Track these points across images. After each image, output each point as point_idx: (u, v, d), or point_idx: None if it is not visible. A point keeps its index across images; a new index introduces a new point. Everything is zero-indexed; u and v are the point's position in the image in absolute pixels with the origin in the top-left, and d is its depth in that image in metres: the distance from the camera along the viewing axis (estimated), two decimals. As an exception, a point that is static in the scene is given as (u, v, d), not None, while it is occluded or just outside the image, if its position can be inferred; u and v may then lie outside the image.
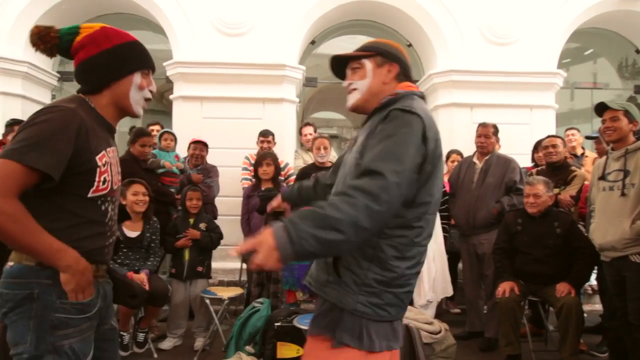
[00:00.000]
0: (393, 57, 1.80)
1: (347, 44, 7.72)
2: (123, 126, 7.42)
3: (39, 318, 1.52)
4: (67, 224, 1.57)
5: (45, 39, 1.65)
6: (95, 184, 1.61)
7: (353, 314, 1.57)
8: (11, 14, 6.17)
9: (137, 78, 1.73)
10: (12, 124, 3.96)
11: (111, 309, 1.87)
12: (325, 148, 4.78)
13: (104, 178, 1.63)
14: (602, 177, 3.26)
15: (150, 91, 1.82)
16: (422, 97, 1.80)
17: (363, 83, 1.79)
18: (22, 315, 1.53)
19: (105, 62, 1.67)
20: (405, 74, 1.82)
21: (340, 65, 1.88)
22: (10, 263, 1.56)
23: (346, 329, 1.57)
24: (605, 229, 3.17)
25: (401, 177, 1.45)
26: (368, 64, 1.79)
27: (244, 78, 6.31)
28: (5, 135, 4.00)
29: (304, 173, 4.55)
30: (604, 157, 3.37)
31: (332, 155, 6.05)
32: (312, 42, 7.36)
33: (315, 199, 1.85)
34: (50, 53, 1.70)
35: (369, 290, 1.57)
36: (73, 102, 1.62)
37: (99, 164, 1.61)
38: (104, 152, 1.64)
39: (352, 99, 1.82)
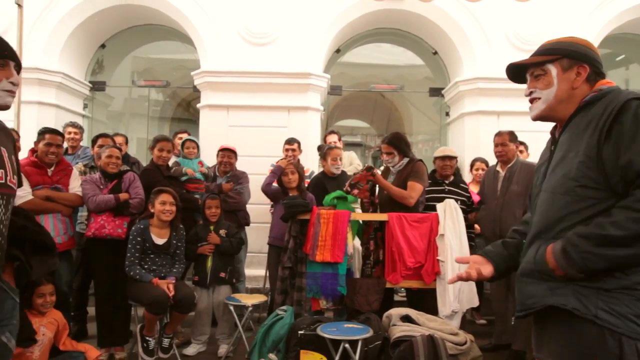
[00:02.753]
0: (582, 56, 1.61)
1: (372, 52, 7.74)
2: (150, 135, 7.57)
3: None
4: None
5: None
6: None
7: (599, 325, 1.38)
8: (47, 27, 6.37)
9: None
10: (43, 132, 4.05)
11: (9, 322, 1.76)
12: (340, 159, 4.82)
13: None
14: None
15: (13, 83, 1.75)
16: None
17: (548, 92, 1.64)
18: None
19: None
20: (597, 73, 1.62)
21: (518, 69, 1.75)
22: None
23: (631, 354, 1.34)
24: None
25: None
26: (553, 69, 1.64)
27: (269, 87, 6.37)
28: (36, 142, 4.10)
29: (314, 183, 4.57)
30: None
31: (357, 163, 6.06)
32: (337, 51, 7.38)
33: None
34: None
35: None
36: None
37: None
38: None
39: (536, 109, 1.68)
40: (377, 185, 4.35)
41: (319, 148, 4.86)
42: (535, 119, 1.71)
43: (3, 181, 1.70)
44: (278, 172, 4.52)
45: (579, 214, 1.47)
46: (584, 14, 6.42)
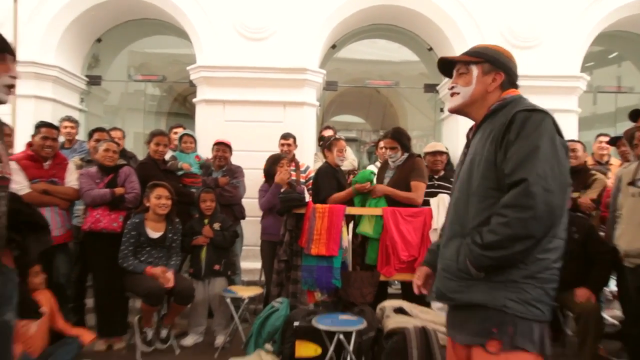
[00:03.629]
0: (501, 65, 1.79)
1: (368, 48, 7.75)
2: (146, 129, 7.57)
3: None
4: None
5: None
6: None
7: (506, 313, 1.58)
8: (43, 21, 6.34)
9: None
10: (40, 125, 4.06)
11: (8, 301, 1.82)
12: (345, 150, 4.81)
13: None
14: (632, 183, 3.20)
15: (12, 77, 1.76)
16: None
17: (466, 90, 1.81)
18: None
19: None
20: (510, 82, 1.81)
21: (447, 63, 1.90)
22: None
23: (522, 333, 1.57)
24: (632, 235, 3.12)
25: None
26: (475, 70, 1.80)
27: (265, 82, 6.37)
28: (33, 136, 4.10)
29: (324, 172, 4.56)
30: (635, 163, 3.30)
31: (352, 158, 6.09)
32: (333, 47, 7.38)
33: None
34: None
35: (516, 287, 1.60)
36: None
37: None
38: None
39: (453, 102, 1.86)
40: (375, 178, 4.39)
41: (323, 139, 4.82)
42: (452, 111, 1.90)
43: (3, 175, 1.74)
44: (277, 191, 4.46)
45: (487, 211, 1.65)
46: (577, 11, 6.44)
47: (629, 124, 3.60)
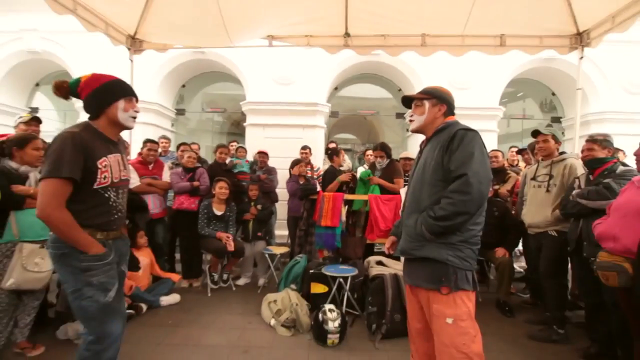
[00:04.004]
0: (443, 99, 1.76)
1: (359, 89, 7.66)
2: (213, 143, 7.57)
3: (72, 267, 1.55)
4: (82, 207, 1.56)
5: (61, 88, 1.65)
6: (98, 179, 1.58)
7: (447, 264, 1.59)
8: (148, 73, 6.35)
9: (121, 104, 1.66)
10: (146, 141, 4.08)
11: (124, 258, 1.80)
12: (344, 158, 4.85)
13: (104, 175, 1.60)
14: (534, 178, 3.13)
15: (136, 111, 1.73)
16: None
17: (420, 118, 1.78)
18: (62, 265, 1.56)
19: (96, 96, 1.64)
20: (450, 110, 1.78)
21: (408, 99, 1.86)
22: (50, 233, 1.58)
23: (461, 279, 1.59)
24: (533, 213, 3.06)
25: None
26: (427, 103, 1.77)
27: (290, 112, 6.32)
28: (141, 149, 4.11)
29: (329, 172, 4.53)
30: (536, 165, 3.23)
31: (348, 162, 6.03)
32: (336, 88, 7.31)
33: None
34: (65, 97, 1.67)
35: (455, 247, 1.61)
36: (78, 127, 1.60)
37: (100, 166, 1.58)
38: (104, 157, 1.60)
39: (413, 126, 1.83)
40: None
41: (331, 150, 4.76)
42: (412, 131, 1.86)
43: (126, 177, 1.74)
44: (297, 179, 4.55)
45: (435, 195, 1.64)
46: (496, 65, 6.28)
47: (531, 139, 3.51)
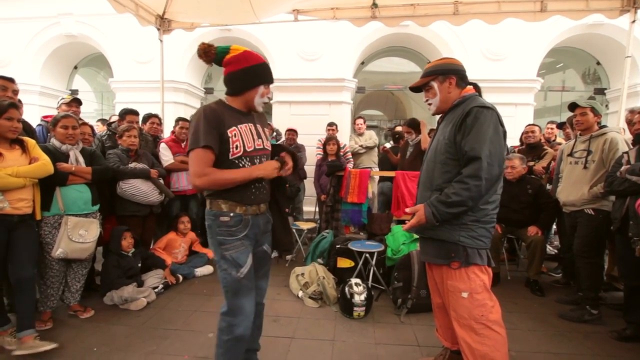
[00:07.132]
0: (449, 71, 1.67)
1: (386, 63, 7.38)
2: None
3: (214, 239, 1.60)
4: None
5: (208, 53, 1.60)
6: (231, 149, 1.53)
7: (458, 244, 1.58)
8: (177, 53, 6.41)
9: (261, 89, 1.62)
10: (178, 120, 4.14)
11: (266, 237, 1.74)
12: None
13: (236, 145, 1.54)
14: (570, 154, 2.94)
15: (269, 98, 1.70)
16: (480, 94, 1.72)
17: (435, 100, 1.72)
18: (210, 236, 1.62)
19: (243, 76, 1.58)
20: (462, 79, 1.68)
21: (416, 89, 1.80)
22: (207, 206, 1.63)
23: (472, 254, 1.59)
24: (569, 191, 2.89)
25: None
26: (434, 84, 1.70)
27: (317, 88, 6.23)
28: (174, 127, 4.18)
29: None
30: (573, 140, 3.02)
31: (375, 138, 5.91)
32: (362, 63, 7.08)
33: None
34: (208, 63, 1.62)
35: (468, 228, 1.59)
36: (215, 103, 1.59)
37: (229, 135, 1.52)
38: (234, 127, 1.54)
39: (431, 110, 1.77)
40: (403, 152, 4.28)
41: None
42: (433, 114, 1.79)
43: (261, 146, 1.66)
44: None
45: (446, 174, 1.60)
46: (534, 33, 5.84)
47: (570, 114, 3.26)
